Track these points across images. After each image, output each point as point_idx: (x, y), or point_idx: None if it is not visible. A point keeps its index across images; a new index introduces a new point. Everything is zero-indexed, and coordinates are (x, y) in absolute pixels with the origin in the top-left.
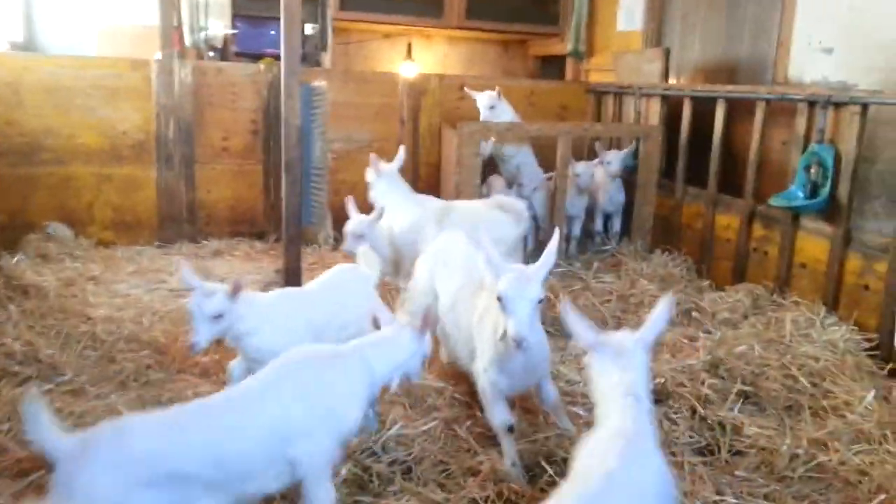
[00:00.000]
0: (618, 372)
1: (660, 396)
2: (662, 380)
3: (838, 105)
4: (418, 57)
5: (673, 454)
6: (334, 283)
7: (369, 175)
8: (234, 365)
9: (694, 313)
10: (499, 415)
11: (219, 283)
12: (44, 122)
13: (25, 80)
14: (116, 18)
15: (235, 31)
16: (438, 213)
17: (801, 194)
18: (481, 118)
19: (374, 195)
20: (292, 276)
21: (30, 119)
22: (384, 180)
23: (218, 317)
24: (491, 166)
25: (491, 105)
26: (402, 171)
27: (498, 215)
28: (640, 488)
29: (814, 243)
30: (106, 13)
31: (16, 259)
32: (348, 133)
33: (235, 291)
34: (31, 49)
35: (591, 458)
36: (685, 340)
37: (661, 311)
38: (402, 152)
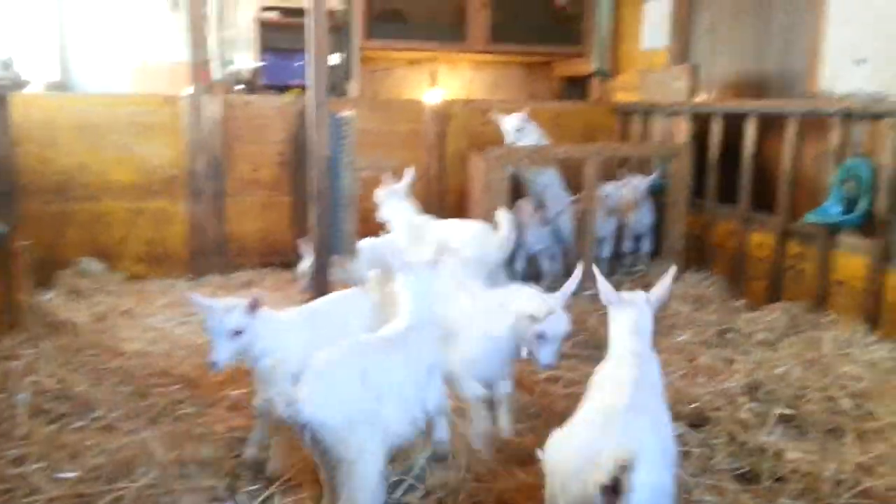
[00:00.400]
0: (629, 318)
1: (696, 421)
2: (698, 404)
3: (874, 118)
4: (444, 82)
5: (713, 482)
6: (339, 301)
7: (378, 195)
8: (260, 402)
9: (729, 334)
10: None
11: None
12: (77, 159)
13: (59, 119)
14: (148, 56)
15: (263, 64)
16: (417, 232)
17: (837, 210)
18: (507, 141)
19: (383, 214)
20: None
21: (63, 157)
22: (391, 200)
23: (238, 333)
24: (519, 191)
25: (519, 127)
26: (428, 194)
27: (481, 237)
28: (657, 389)
29: (851, 260)
30: (138, 51)
31: (49, 296)
32: (375, 161)
33: (254, 307)
34: (67, 88)
35: (607, 373)
36: (721, 363)
37: (667, 278)
38: (409, 173)
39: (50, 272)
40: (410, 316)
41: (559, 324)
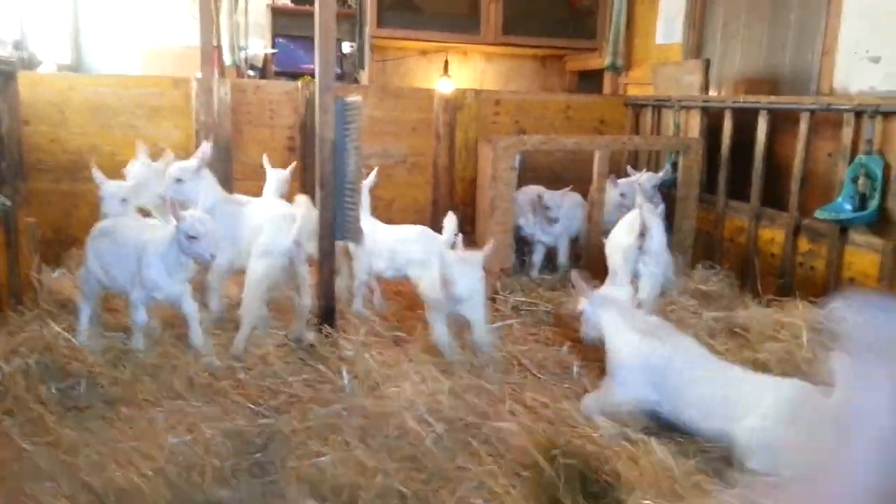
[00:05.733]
0: None
1: None
2: None
3: (887, 114)
4: (455, 73)
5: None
6: None
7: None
8: None
9: (737, 330)
10: None
11: None
12: (87, 139)
13: (70, 100)
14: (160, 39)
15: (275, 51)
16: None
17: (848, 207)
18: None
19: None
20: (326, 290)
21: (74, 137)
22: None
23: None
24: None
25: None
26: (437, 183)
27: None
28: None
29: (863, 258)
30: (150, 34)
31: (56, 273)
32: (385, 148)
33: None
34: (78, 70)
35: None
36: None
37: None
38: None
39: (59, 251)
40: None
41: None
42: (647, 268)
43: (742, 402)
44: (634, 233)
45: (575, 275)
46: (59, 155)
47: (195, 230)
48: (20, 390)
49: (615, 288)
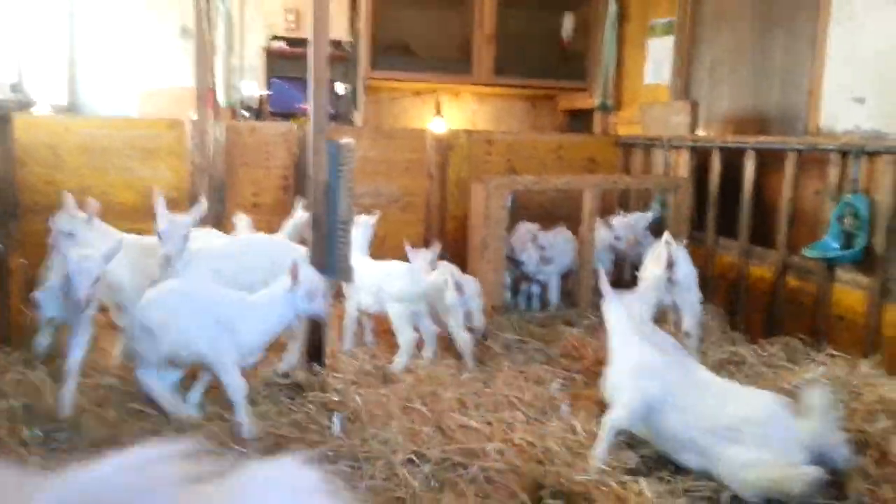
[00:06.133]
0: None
1: None
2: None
3: (872, 154)
4: (448, 113)
5: None
6: None
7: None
8: None
9: (728, 366)
10: None
11: None
12: (82, 181)
13: (65, 142)
14: (156, 80)
15: (270, 92)
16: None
17: (835, 245)
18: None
19: None
20: (317, 329)
21: (68, 179)
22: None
23: None
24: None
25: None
26: (429, 222)
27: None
28: None
29: (850, 295)
30: (146, 75)
31: None
32: (377, 188)
33: None
34: (74, 111)
35: None
36: None
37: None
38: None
39: None
40: None
41: None
42: (684, 298)
43: (724, 410)
44: (662, 264)
45: (601, 274)
46: (53, 196)
47: (317, 289)
48: (3, 433)
49: (632, 296)
